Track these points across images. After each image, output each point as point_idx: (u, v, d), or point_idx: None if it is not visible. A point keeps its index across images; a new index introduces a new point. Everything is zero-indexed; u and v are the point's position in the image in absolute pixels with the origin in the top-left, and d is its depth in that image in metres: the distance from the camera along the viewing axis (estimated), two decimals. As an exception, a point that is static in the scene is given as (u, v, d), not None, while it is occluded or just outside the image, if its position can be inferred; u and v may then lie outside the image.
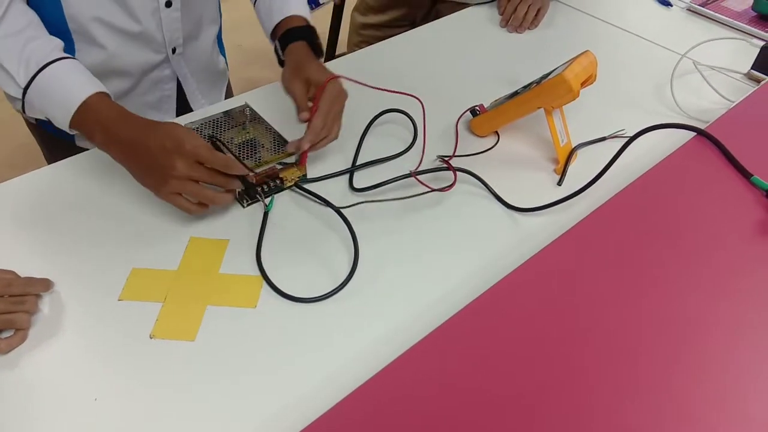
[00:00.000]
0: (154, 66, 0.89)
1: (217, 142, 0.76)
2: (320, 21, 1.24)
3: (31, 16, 0.72)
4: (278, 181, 0.77)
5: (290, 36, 0.82)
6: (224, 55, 1.05)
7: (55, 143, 0.92)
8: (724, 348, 0.57)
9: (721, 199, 0.72)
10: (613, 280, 0.62)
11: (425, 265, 0.69)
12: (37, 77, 0.68)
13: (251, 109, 0.85)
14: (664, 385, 0.54)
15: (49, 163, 0.82)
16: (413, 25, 1.32)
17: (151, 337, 0.60)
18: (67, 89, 0.69)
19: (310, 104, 0.77)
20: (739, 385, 0.54)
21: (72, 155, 0.81)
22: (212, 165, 0.66)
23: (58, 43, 0.72)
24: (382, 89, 0.82)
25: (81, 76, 0.70)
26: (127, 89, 0.88)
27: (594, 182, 0.74)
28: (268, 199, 0.75)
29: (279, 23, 0.84)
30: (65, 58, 0.71)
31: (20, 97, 0.70)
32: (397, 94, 0.83)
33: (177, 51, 0.89)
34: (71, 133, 0.71)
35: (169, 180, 0.64)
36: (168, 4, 0.83)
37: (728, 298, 0.61)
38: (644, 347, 0.57)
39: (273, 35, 0.86)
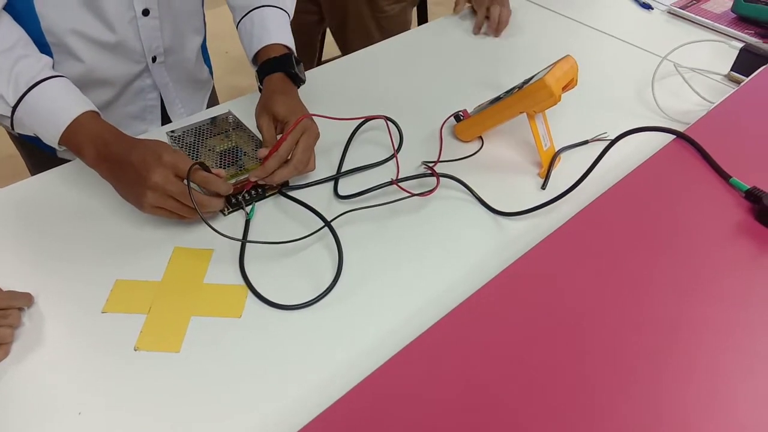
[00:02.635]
0: (135, 76, 0.88)
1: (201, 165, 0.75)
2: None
3: (20, 32, 0.72)
4: (260, 189, 0.77)
5: (267, 67, 0.82)
6: (209, 65, 1.04)
7: (37, 154, 0.91)
8: (708, 349, 0.58)
9: (700, 201, 0.73)
10: (596, 283, 0.63)
11: (410, 271, 0.69)
12: (27, 96, 0.68)
13: (234, 117, 0.85)
14: (649, 388, 0.54)
15: (32, 174, 0.82)
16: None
17: (135, 350, 0.60)
18: (56, 108, 0.69)
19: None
20: (723, 386, 0.55)
21: (54, 166, 0.80)
22: (194, 181, 0.66)
23: (47, 61, 0.72)
24: (347, 119, 0.82)
25: (71, 96, 0.71)
26: (109, 100, 0.88)
27: (577, 185, 0.74)
28: (249, 207, 0.75)
29: (258, 52, 0.84)
30: (55, 76, 0.71)
31: (9, 115, 0.70)
32: (385, 100, 0.83)
33: (158, 60, 0.89)
34: (59, 150, 0.71)
35: (146, 192, 0.65)
36: (145, 13, 0.82)
37: (710, 299, 0.62)
38: (628, 349, 0.57)
39: (254, 62, 0.86)
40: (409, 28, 1.47)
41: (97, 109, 0.72)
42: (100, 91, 0.86)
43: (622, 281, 0.63)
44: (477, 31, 1.15)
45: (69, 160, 0.81)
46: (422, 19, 1.88)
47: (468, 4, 1.20)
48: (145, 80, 0.90)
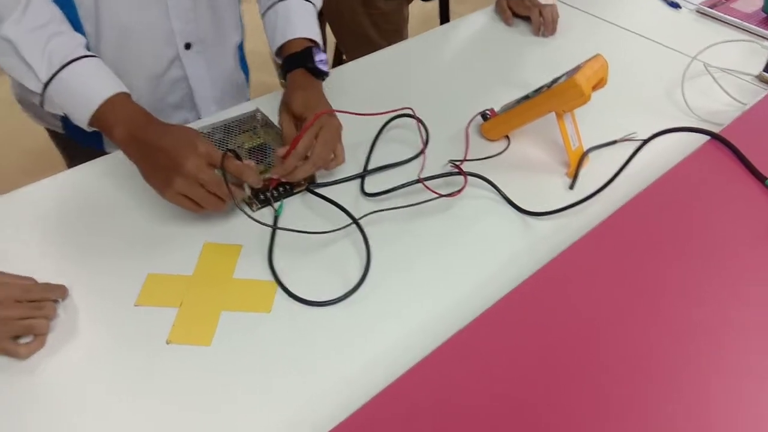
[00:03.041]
0: (169, 62, 0.87)
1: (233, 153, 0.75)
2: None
3: (54, 9, 0.72)
4: (288, 186, 0.77)
5: (289, 63, 0.82)
6: (246, 71, 1.03)
7: (72, 147, 0.92)
8: (740, 353, 0.57)
9: (735, 203, 0.72)
10: (628, 286, 0.62)
11: (437, 270, 0.69)
12: (59, 74, 0.69)
13: (263, 114, 0.85)
14: (681, 392, 0.54)
15: (68, 167, 0.83)
16: None
17: (167, 343, 0.61)
18: (88, 88, 0.69)
19: None
20: (754, 391, 0.54)
21: (88, 159, 0.81)
22: (226, 169, 0.66)
23: (81, 40, 0.73)
24: (370, 114, 0.81)
25: (103, 76, 0.71)
26: (147, 88, 0.87)
27: (606, 186, 0.74)
28: (278, 203, 0.76)
29: (281, 46, 0.84)
30: (88, 56, 0.71)
31: (40, 92, 0.70)
32: (411, 98, 0.83)
33: (193, 48, 0.88)
34: (89, 130, 0.71)
35: (176, 178, 0.65)
36: None
37: (744, 303, 0.61)
38: (660, 352, 0.56)
39: (277, 56, 0.86)
40: (406, 26, 1.46)
41: (128, 91, 0.72)
42: (136, 80, 0.85)
43: (655, 285, 0.62)
44: (537, 32, 1.16)
45: (102, 153, 0.82)
46: (444, 18, 1.88)
47: (510, 12, 1.20)
48: (178, 70, 0.89)
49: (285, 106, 0.79)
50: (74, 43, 0.71)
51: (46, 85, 0.69)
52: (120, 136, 0.69)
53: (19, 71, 0.69)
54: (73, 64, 0.69)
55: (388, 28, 1.33)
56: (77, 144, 0.89)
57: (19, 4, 0.68)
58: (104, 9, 0.78)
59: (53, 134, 0.95)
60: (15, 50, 0.68)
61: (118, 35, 0.80)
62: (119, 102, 0.70)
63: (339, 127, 0.78)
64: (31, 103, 0.88)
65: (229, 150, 0.68)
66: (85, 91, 0.69)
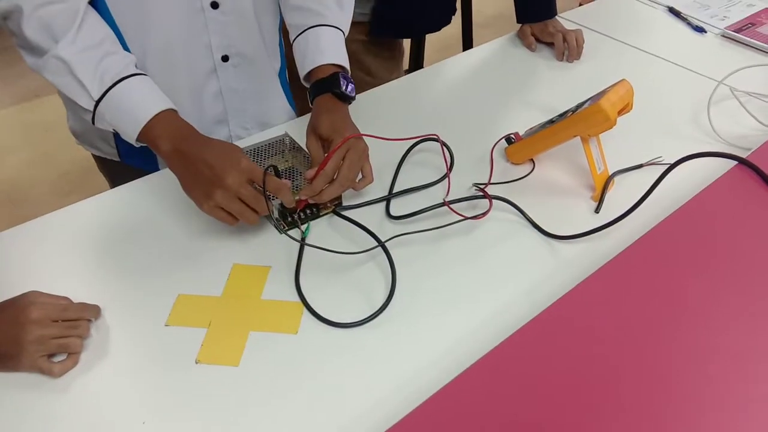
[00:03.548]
0: (207, 74, 0.88)
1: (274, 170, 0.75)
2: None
3: (107, 29, 0.75)
4: (314, 209, 0.78)
5: (316, 89, 0.84)
6: (291, 101, 1.04)
7: (111, 166, 0.95)
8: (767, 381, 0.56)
9: (763, 228, 0.71)
10: (654, 312, 0.62)
11: (463, 292, 0.70)
12: (111, 91, 0.72)
13: (291, 139, 0.87)
14: (706, 418, 0.53)
15: (110, 186, 0.85)
16: None
17: (196, 362, 0.62)
18: (137, 105, 0.72)
19: None
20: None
21: (129, 179, 0.84)
22: (266, 186, 0.68)
23: (131, 59, 0.76)
24: (397, 139, 0.82)
25: (152, 93, 0.74)
26: (189, 101, 0.89)
27: (633, 210, 0.74)
28: (305, 225, 0.77)
29: (309, 72, 0.86)
30: (138, 74, 0.74)
31: (92, 109, 0.73)
32: (436, 123, 0.84)
33: (230, 61, 0.89)
34: (137, 145, 0.74)
35: (216, 191, 0.67)
36: (214, 5, 0.83)
37: (775, 328, 0.60)
38: (685, 378, 0.56)
39: (306, 81, 0.88)
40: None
41: (175, 107, 0.74)
42: (179, 94, 0.86)
43: (682, 311, 0.62)
44: (561, 58, 1.17)
45: (140, 175, 0.85)
46: (467, 42, 1.90)
47: (533, 38, 1.20)
48: (216, 82, 0.90)
49: (312, 129, 0.81)
50: (125, 62, 0.74)
51: (98, 102, 0.72)
52: (165, 149, 0.71)
53: (73, 89, 0.72)
54: (124, 81, 0.72)
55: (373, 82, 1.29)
56: (126, 171, 0.90)
57: (74, 24, 0.71)
58: (147, 26, 0.80)
59: (100, 162, 0.98)
60: (69, 70, 0.71)
61: (160, 50, 0.83)
62: (166, 117, 0.72)
63: (365, 148, 0.79)
64: (85, 135, 0.92)
65: (271, 166, 0.69)
66: (134, 108, 0.72)
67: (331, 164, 0.75)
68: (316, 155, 0.79)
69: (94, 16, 0.74)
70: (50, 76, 0.72)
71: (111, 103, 0.72)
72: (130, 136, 0.73)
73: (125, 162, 0.93)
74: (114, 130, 0.75)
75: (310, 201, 0.76)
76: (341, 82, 0.83)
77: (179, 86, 0.87)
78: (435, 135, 0.86)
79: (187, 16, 0.82)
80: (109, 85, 0.71)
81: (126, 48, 0.79)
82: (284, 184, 0.71)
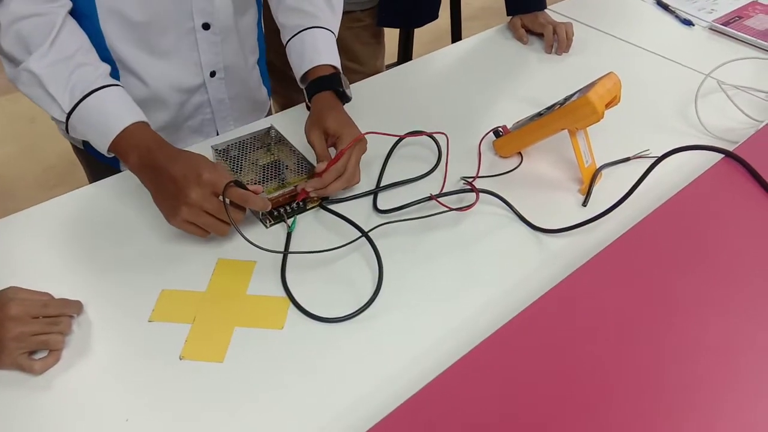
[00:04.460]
0: (194, 90, 0.91)
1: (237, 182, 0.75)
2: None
3: (82, 38, 0.75)
4: (301, 202, 0.78)
5: (316, 86, 0.85)
6: (267, 86, 1.06)
7: (93, 163, 0.95)
8: (755, 372, 0.56)
9: (749, 221, 0.71)
10: (641, 305, 0.62)
11: (450, 286, 0.69)
12: (81, 104, 0.71)
13: (276, 131, 0.86)
14: (695, 409, 0.53)
15: (90, 181, 0.85)
16: None
17: (180, 359, 0.61)
18: (108, 117, 0.72)
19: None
20: (773, 411, 0.53)
21: (108, 175, 0.83)
22: (229, 198, 0.68)
23: (105, 70, 0.75)
24: (400, 135, 0.87)
25: (123, 105, 0.73)
26: (169, 115, 0.91)
27: (620, 203, 0.74)
28: (291, 219, 0.76)
29: (307, 71, 0.86)
30: (110, 85, 0.73)
31: (64, 120, 0.73)
32: (424, 116, 0.84)
33: (217, 75, 0.91)
34: (108, 156, 0.73)
35: (182, 207, 0.66)
36: (206, 27, 0.85)
37: (759, 322, 0.60)
38: (673, 370, 0.56)
39: (302, 80, 0.88)
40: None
41: (146, 119, 0.74)
42: (161, 108, 0.89)
43: (669, 305, 0.62)
44: (550, 50, 1.16)
45: (121, 170, 0.84)
46: (456, 35, 1.89)
47: (524, 30, 1.20)
48: (203, 95, 0.92)
49: (317, 125, 0.80)
50: (97, 74, 0.73)
51: (69, 114, 0.72)
52: (133, 162, 0.71)
53: (44, 102, 0.72)
54: (95, 94, 0.71)
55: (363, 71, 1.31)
56: (97, 161, 0.91)
57: (49, 37, 0.70)
58: (135, 43, 0.81)
59: (77, 150, 0.98)
60: (40, 83, 0.70)
61: (148, 67, 0.84)
62: (135, 130, 0.72)
63: (366, 149, 0.81)
64: None
65: (233, 181, 0.68)
66: (104, 121, 0.72)
67: (344, 160, 0.77)
68: (321, 150, 0.80)
69: (70, 28, 0.74)
70: (23, 87, 0.72)
71: (82, 115, 0.71)
72: (101, 148, 0.73)
73: (89, 152, 0.92)
74: (87, 140, 0.74)
75: (313, 194, 0.76)
76: (342, 82, 0.85)
77: (165, 102, 0.89)
78: (442, 133, 0.86)
79: (177, 37, 0.84)
80: (80, 98, 0.71)
81: (115, 71, 0.80)
82: (248, 194, 0.69)
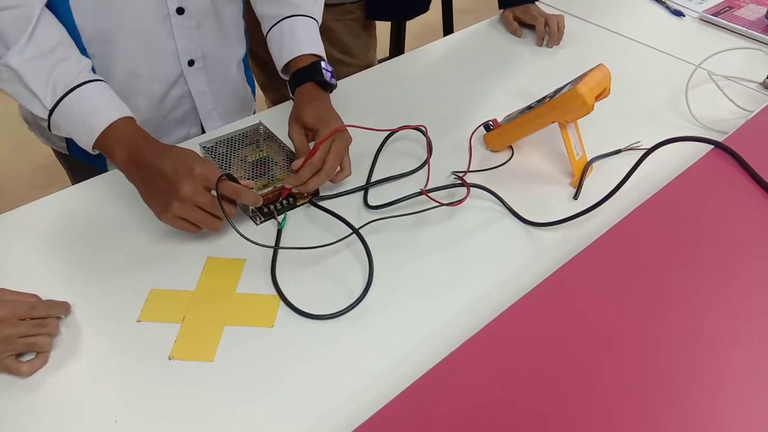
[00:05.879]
0: (173, 80, 0.88)
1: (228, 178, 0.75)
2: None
3: (62, 33, 0.72)
4: (291, 199, 0.77)
5: (297, 78, 0.83)
6: (252, 85, 1.04)
7: (74, 164, 0.93)
8: (747, 363, 0.56)
9: (740, 211, 0.71)
10: (633, 296, 0.62)
11: (441, 281, 0.69)
12: (64, 100, 0.69)
13: (265, 128, 0.86)
14: (688, 401, 0.53)
15: (71, 182, 0.84)
16: None
17: (170, 359, 0.60)
18: (92, 113, 0.70)
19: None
20: (761, 401, 0.53)
21: (91, 176, 0.82)
22: (222, 192, 0.67)
23: (87, 64, 0.73)
24: (383, 130, 0.85)
25: (107, 100, 0.71)
26: (150, 107, 0.88)
27: (611, 196, 0.73)
28: (281, 216, 0.76)
29: (288, 63, 0.84)
30: (92, 81, 0.71)
31: (46, 117, 0.71)
32: (415, 109, 0.83)
33: (195, 65, 0.88)
34: (93, 153, 0.72)
35: (173, 202, 0.65)
36: (180, 11, 0.82)
37: (750, 312, 0.60)
38: (666, 362, 0.56)
39: (284, 72, 0.87)
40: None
41: (131, 115, 0.72)
42: (142, 99, 0.86)
43: (660, 296, 0.62)
44: (540, 43, 1.16)
45: (104, 171, 0.83)
46: (448, 28, 1.88)
47: (516, 23, 1.20)
48: (183, 86, 0.89)
49: (296, 119, 0.79)
50: (79, 69, 0.71)
51: (52, 111, 0.70)
52: (120, 159, 0.69)
53: (25, 99, 0.70)
54: (78, 89, 0.70)
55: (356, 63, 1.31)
56: (82, 163, 0.89)
57: (26, 31, 0.68)
58: (108, 31, 0.78)
59: (58, 154, 0.96)
60: (19, 79, 0.68)
61: (123, 57, 0.81)
62: (122, 126, 0.70)
63: (349, 140, 0.79)
64: (37, 123, 0.89)
65: (225, 174, 0.68)
66: (89, 116, 0.70)
67: (319, 154, 0.75)
68: (300, 145, 0.78)
69: (48, 21, 0.71)
70: (2, 84, 0.70)
71: (65, 112, 0.70)
72: (86, 145, 0.71)
73: (73, 156, 0.90)
74: (71, 137, 0.72)
75: (294, 191, 0.75)
76: (323, 71, 0.82)
77: (145, 94, 0.86)
78: (423, 127, 0.85)
79: (152, 23, 0.80)
80: (62, 94, 0.69)
81: (85, 53, 0.76)
82: (240, 188, 0.68)
